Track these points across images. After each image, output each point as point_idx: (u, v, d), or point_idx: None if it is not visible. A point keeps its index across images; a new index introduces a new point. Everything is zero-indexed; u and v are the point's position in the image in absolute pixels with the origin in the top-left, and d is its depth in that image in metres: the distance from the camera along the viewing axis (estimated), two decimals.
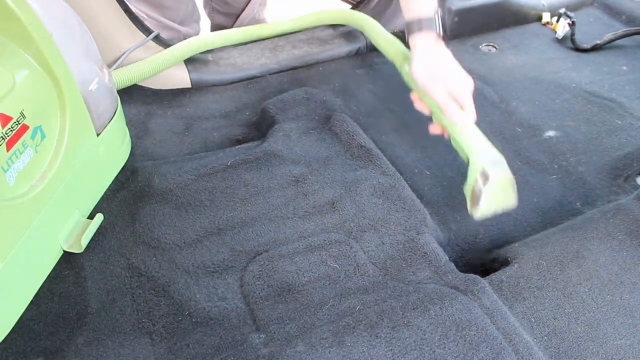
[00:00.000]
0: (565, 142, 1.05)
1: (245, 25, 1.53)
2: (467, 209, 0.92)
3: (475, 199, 0.79)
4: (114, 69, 1.09)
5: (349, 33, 1.35)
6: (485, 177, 0.77)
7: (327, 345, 0.64)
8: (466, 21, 1.40)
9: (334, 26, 1.37)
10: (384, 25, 1.33)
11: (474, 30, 1.42)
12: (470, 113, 0.87)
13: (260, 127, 1.07)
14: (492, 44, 1.39)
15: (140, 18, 1.18)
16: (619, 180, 0.96)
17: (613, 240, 0.78)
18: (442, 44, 0.93)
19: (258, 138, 1.02)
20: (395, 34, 1.34)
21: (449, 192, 0.95)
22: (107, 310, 0.70)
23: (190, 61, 1.20)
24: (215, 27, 1.62)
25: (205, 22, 1.62)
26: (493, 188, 0.77)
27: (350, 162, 0.94)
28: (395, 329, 0.66)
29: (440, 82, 0.88)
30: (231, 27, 1.58)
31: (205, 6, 1.61)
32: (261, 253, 0.77)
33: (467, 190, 0.82)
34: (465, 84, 0.89)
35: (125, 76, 1.08)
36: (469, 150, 0.83)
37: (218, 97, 1.17)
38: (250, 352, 0.65)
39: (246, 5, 1.55)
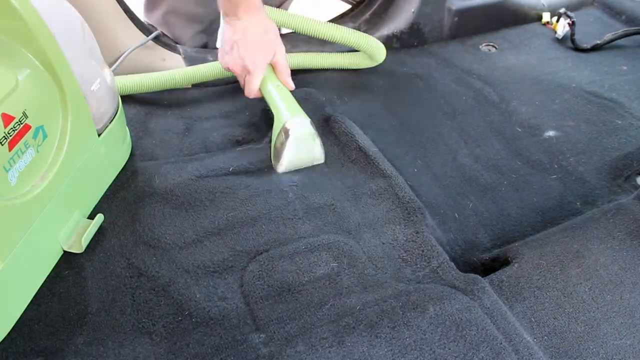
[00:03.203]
0: (565, 142, 1.05)
1: None
2: (467, 208, 0.92)
3: (278, 153, 0.86)
4: (114, 69, 1.09)
5: None
6: (286, 132, 0.85)
7: (327, 345, 0.64)
8: (466, 21, 1.40)
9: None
10: (384, 25, 1.34)
11: (474, 30, 1.42)
12: (283, 68, 0.96)
13: (260, 127, 1.07)
14: (492, 44, 1.39)
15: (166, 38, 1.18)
16: (619, 180, 0.96)
17: (613, 240, 0.78)
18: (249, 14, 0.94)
19: (258, 138, 1.02)
20: (395, 35, 1.35)
21: (449, 191, 0.95)
22: (107, 310, 0.70)
23: (190, 61, 1.20)
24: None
25: None
26: (294, 143, 0.85)
27: (350, 164, 0.94)
28: (395, 329, 0.66)
29: (242, 54, 0.94)
30: None
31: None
32: (261, 253, 0.77)
33: (272, 146, 0.89)
34: (267, 52, 0.95)
35: (132, 84, 1.09)
36: (274, 108, 0.91)
37: (218, 97, 1.17)
38: (250, 352, 0.65)
39: None
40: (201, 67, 1.13)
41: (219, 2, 0.95)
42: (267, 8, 1.17)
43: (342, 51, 1.25)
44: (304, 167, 0.89)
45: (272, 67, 0.98)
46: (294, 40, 1.31)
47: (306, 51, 1.28)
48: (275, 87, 0.94)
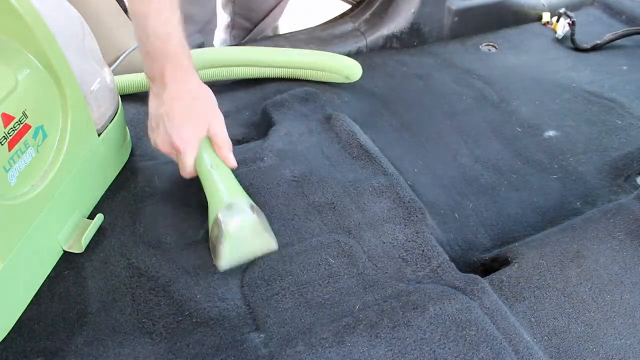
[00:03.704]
0: (565, 142, 1.05)
1: (264, 33, 1.53)
2: (467, 208, 0.92)
3: (214, 250, 0.71)
4: (114, 69, 1.09)
5: (349, 33, 1.35)
6: (219, 225, 0.70)
7: (327, 345, 0.64)
8: (466, 21, 1.40)
9: (334, 26, 1.37)
10: (384, 25, 1.34)
11: (474, 30, 1.42)
12: (223, 142, 0.79)
13: (260, 127, 1.07)
14: (492, 44, 1.39)
15: None
16: (619, 180, 0.96)
17: (613, 240, 0.78)
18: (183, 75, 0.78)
19: (258, 138, 1.02)
20: (395, 35, 1.35)
21: (449, 191, 0.95)
22: (107, 310, 0.70)
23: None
24: (235, 30, 1.61)
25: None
26: (230, 238, 0.69)
27: (350, 161, 0.94)
28: (395, 329, 0.66)
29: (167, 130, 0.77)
30: (251, 30, 1.57)
31: (225, 7, 1.60)
32: None
33: (210, 239, 0.74)
34: (199, 126, 0.79)
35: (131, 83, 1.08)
36: (208, 193, 0.76)
37: (218, 97, 1.16)
38: (250, 352, 0.65)
39: (268, 14, 1.54)
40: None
41: (143, 65, 0.80)
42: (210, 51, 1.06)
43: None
44: (251, 259, 0.74)
45: (210, 141, 0.80)
46: (293, 40, 1.32)
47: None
48: (211, 167, 0.77)
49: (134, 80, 1.09)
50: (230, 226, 0.70)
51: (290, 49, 1.18)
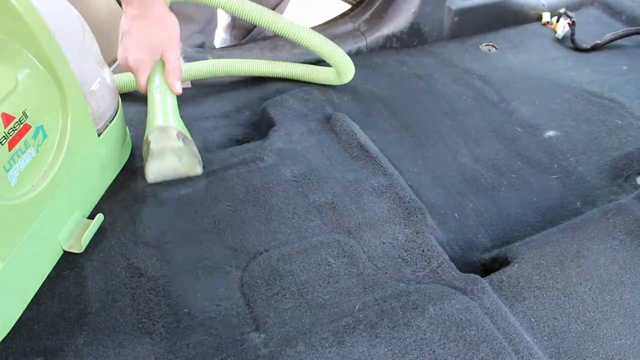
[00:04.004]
0: (565, 142, 1.05)
1: (265, 33, 1.53)
2: (467, 208, 0.92)
3: (144, 164, 0.83)
4: (114, 69, 1.09)
5: (349, 33, 1.35)
6: (148, 143, 0.81)
7: (327, 345, 0.64)
8: (466, 21, 1.40)
9: (334, 26, 1.37)
10: (384, 25, 1.34)
11: (474, 30, 1.42)
12: (172, 69, 0.84)
13: (260, 127, 1.07)
14: (492, 44, 1.39)
15: None
16: (619, 180, 0.96)
17: (613, 240, 0.78)
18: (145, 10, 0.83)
19: (258, 138, 1.02)
20: (395, 35, 1.35)
21: (449, 191, 0.95)
22: (107, 310, 0.70)
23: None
24: (236, 30, 1.61)
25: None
26: (155, 155, 0.81)
27: (350, 161, 0.94)
28: (395, 329, 0.66)
29: (130, 48, 0.83)
30: (251, 30, 1.56)
31: None
32: (261, 253, 0.77)
33: (142, 154, 0.85)
34: (153, 50, 0.84)
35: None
36: (149, 113, 0.85)
37: (218, 97, 1.17)
38: (250, 352, 0.65)
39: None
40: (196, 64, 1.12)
41: None
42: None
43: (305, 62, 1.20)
44: (176, 178, 0.85)
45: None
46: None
47: (308, 51, 1.27)
48: (156, 90, 0.85)
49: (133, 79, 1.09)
50: (155, 146, 0.81)
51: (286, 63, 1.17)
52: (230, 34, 1.60)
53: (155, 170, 0.83)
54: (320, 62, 1.18)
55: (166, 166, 0.83)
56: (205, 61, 1.13)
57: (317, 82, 1.17)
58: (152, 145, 0.80)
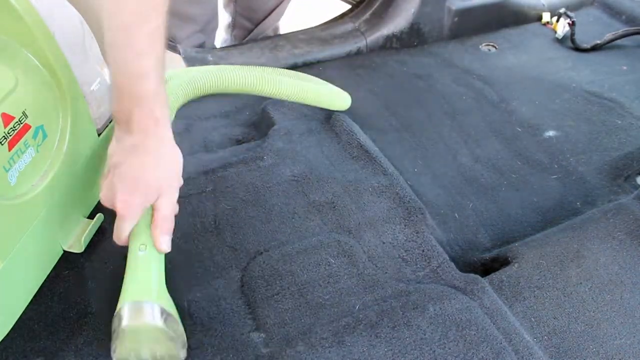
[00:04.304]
0: (565, 142, 1.05)
1: (265, 33, 1.52)
2: (467, 208, 0.92)
3: (113, 341, 0.63)
4: None
5: (349, 33, 1.35)
6: (120, 319, 0.61)
7: (327, 345, 0.64)
8: (466, 21, 1.40)
9: (334, 26, 1.37)
10: (384, 25, 1.34)
11: (474, 30, 1.42)
12: (161, 220, 0.65)
13: (260, 127, 1.07)
14: (492, 44, 1.39)
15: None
16: (619, 180, 0.96)
17: (613, 240, 0.78)
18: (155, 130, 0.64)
19: (258, 138, 1.02)
20: (395, 35, 1.35)
21: (449, 191, 0.95)
22: (107, 310, 0.70)
23: (190, 61, 1.20)
24: (237, 30, 1.61)
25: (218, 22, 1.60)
26: (125, 336, 0.62)
27: (350, 161, 0.94)
28: (395, 329, 0.66)
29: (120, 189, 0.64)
30: (252, 30, 1.57)
31: (226, 7, 1.60)
32: (261, 253, 0.77)
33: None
34: (148, 194, 0.65)
35: None
36: (125, 277, 0.65)
37: (218, 97, 1.16)
38: (250, 352, 0.65)
39: (269, 14, 1.54)
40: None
41: (110, 97, 0.69)
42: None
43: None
44: None
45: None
46: (293, 39, 1.32)
47: (308, 51, 1.28)
48: (139, 248, 0.66)
49: None
50: (127, 326, 0.61)
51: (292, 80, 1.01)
52: (231, 33, 1.60)
53: (125, 354, 0.63)
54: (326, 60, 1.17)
55: (139, 351, 0.63)
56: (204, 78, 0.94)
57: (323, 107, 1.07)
58: (124, 324, 0.61)
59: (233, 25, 1.59)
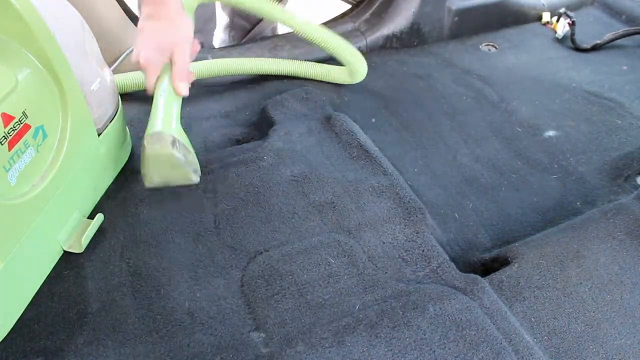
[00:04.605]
0: (565, 142, 1.05)
1: (263, 34, 1.52)
2: (467, 208, 0.92)
3: (141, 167, 0.82)
4: (114, 69, 1.09)
5: (349, 33, 1.35)
6: (144, 147, 0.79)
7: (327, 345, 0.64)
8: (466, 21, 1.40)
9: (334, 26, 1.37)
10: (384, 25, 1.34)
11: (474, 30, 1.42)
12: (178, 71, 0.83)
13: (260, 127, 1.07)
14: (492, 44, 1.39)
15: None
16: (619, 180, 0.96)
17: (613, 240, 0.78)
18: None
19: (258, 138, 1.02)
20: (395, 35, 1.35)
21: (449, 191, 0.95)
22: (107, 310, 0.70)
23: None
24: (235, 31, 1.61)
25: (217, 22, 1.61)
26: (150, 160, 0.79)
27: (350, 161, 0.94)
28: (395, 329, 0.66)
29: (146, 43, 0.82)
30: (250, 31, 1.57)
31: (224, 8, 1.60)
32: (261, 253, 0.77)
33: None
34: (163, 50, 0.82)
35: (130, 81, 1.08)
36: (150, 115, 0.83)
37: (218, 97, 1.17)
38: (250, 351, 0.65)
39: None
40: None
41: None
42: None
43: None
44: (172, 185, 0.83)
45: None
46: (293, 40, 1.32)
47: (308, 51, 1.28)
48: (161, 93, 0.83)
49: (134, 79, 1.08)
50: (149, 153, 0.78)
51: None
52: (229, 34, 1.60)
53: (150, 176, 0.81)
54: (328, 60, 1.20)
55: (161, 173, 0.81)
56: (213, 60, 1.14)
57: (330, 81, 1.18)
58: (147, 151, 0.78)
59: (231, 26, 1.59)
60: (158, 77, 0.83)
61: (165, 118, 0.81)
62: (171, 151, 0.78)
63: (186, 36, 0.84)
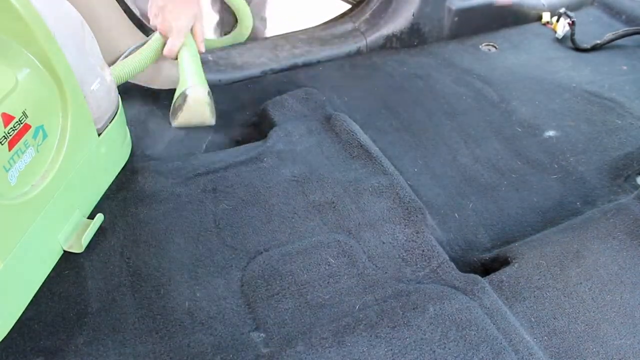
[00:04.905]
0: (565, 142, 1.05)
1: (257, 31, 1.53)
2: (467, 208, 0.92)
3: (175, 112, 1.02)
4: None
5: (349, 33, 1.35)
6: (185, 97, 0.99)
7: (327, 345, 0.64)
8: (466, 21, 1.40)
9: (334, 26, 1.37)
10: (384, 25, 1.34)
11: (474, 30, 1.42)
12: (200, 34, 1.06)
13: (260, 127, 1.07)
14: (492, 44, 1.39)
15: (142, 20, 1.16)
16: (619, 180, 0.96)
17: (613, 240, 0.78)
18: None
19: (258, 138, 1.02)
20: (395, 35, 1.35)
21: (449, 191, 0.95)
22: (107, 310, 0.70)
23: None
24: (226, 27, 1.61)
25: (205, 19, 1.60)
26: (190, 107, 1.01)
27: (350, 161, 0.94)
28: (395, 329, 0.66)
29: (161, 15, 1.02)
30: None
31: (213, 6, 1.60)
32: (261, 252, 0.77)
33: (172, 104, 1.03)
34: (190, 18, 1.03)
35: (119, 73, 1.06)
36: (181, 73, 1.03)
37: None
38: (250, 351, 0.65)
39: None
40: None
41: None
42: None
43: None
44: (195, 126, 1.04)
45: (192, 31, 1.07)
46: (293, 40, 1.32)
47: (308, 51, 1.28)
48: (189, 54, 1.04)
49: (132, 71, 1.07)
50: (194, 99, 1.00)
51: None
52: (221, 32, 1.60)
53: (185, 118, 1.01)
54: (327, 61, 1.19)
55: (194, 116, 1.02)
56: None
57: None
58: (190, 98, 0.99)
59: (222, 23, 1.60)
60: (182, 45, 1.03)
61: (198, 74, 1.02)
62: (208, 99, 1.01)
63: (201, 10, 1.06)
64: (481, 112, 1.14)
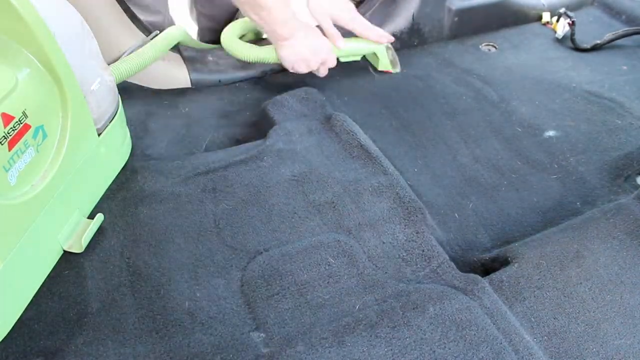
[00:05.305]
0: (565, 142, 1.05)
1: None
2: (467, 208, 0.92)
3: (395, 61, 1.25)
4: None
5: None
6: (389, 48, 1.23)
7: (327, 345, 0.64)
8: (466, 21, 1.40)
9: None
10: (384, 25, 1.33)
11: (474, 30, 1.42)
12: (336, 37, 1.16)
13: (260, 127, 1.07)
14: (492, 44, 1.39)
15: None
16: (619, 180, 0.96)
17: (613, 240, 0.78)
18: None
19: (258, 138, 1.02)
20: (395, 35, 1.35)
21: (449, 191, 0.95)
22: (107, 310, 0.70)
23: (190, 61, 1.20)
24: (202, 32, 1.61)
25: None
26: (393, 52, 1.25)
27: (350, 161, 0.94)
28: (395, 329, 0.66)
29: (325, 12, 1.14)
30: (220, 31, 1.57)
31: (191, 13, 1.61)
32: (261, 252, 0.77)
33: (384, 64, 1.25)
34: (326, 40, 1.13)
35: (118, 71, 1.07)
36: (365, 49, 1.22)
37: (218, 97, 1.17)
38: (250, 351, 0.65)
39: (232, 14, 1.54)
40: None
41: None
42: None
43: None
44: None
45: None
46: None
47: None
48: (348, 42, 1.18)
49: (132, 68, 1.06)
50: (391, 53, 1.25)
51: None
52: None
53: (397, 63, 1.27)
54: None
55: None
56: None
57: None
58: (393, 52, 1.26)
59: (201, 35, 1.60)
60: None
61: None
62: (396, 58, 1.28)
63: (328, 50, 1.16)
64: (481, 112, 1.14)
